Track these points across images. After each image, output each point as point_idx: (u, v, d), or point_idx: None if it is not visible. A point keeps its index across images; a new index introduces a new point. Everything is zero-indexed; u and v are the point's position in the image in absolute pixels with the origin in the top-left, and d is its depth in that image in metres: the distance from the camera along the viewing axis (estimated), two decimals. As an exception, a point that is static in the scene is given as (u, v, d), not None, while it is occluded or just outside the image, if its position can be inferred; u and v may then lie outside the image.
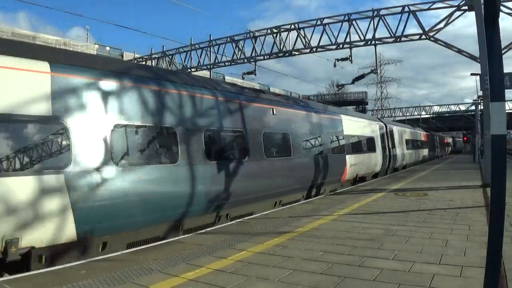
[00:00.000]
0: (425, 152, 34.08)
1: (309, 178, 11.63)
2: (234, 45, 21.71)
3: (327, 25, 18.82)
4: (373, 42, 17.90)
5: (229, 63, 22.54)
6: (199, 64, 23.53)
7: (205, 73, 24.15)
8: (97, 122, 5.75)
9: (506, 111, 3.82)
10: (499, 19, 2.99)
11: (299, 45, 19.88)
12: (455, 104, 59.39)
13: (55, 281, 4.04)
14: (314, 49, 19.68)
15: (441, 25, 16.09)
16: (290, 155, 10.63)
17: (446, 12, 15.93)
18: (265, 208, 9.14)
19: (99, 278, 4.14)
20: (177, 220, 6.94)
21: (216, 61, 22.71)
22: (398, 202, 9.52)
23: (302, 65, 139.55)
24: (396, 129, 23.02)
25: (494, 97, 2.91)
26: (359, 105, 63.47)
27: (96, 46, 35.61)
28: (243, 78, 26.34)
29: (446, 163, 29.93)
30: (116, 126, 6.00)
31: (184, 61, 24.44)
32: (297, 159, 10.92)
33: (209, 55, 22.73)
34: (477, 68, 14.15)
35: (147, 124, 6.56)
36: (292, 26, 19.79)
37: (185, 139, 7.14)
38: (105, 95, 5.99)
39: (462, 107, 57.83)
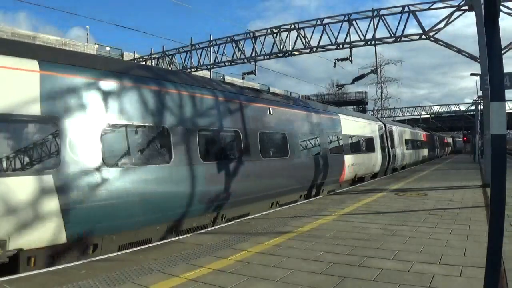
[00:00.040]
0: (425, 152, 34.05)
1: (306, 178, 11.53)
2: (234, 45, 21.71)
3: (327, 25, 18.82)
4: (373, 42, 17.90)
5: (229, 63, 22.55)
6: (199, 64, 23.54)
7: (205, 73, 24.15)
8: (88, 122, 5.65)
9: (506, 111, 3.82)
10: (499, 19, 2.99)
11: (299, 45, 19.91)
12: (455, 104, 59.44)
13: (55, 281, 4.04)
14: (314, 49, 19.69)
15: (441, 25, 16.10)
16: (287, 155, 10.49)
17: (446, 12, 15.96)
18: (261, 209, 9.02)
19: (99, 278, 4.14)
20: (171, 221, 6.83)
21: (216, 61, 22.72)
22: (398, 202, 9.52)
23: (302, 65, 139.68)
24: (395, 129, 22.97)
25: (494, 97, 2.90)
26: (359, 105, 63.50)
27: (96, 46, 35.64)
28: (243, 78, 26.34)
29: (446, 163, 29.94)
30: (107, 126, 5.92)
31: (184, 61, 24.48)
32: (294, 159, 10.80)
33: (209, 55, 22.75)
34: (477, 68, 14.17)
35: (139, 124, 6.46)
36: (292, 26, 19.79)
37: (178, 139, 7.02)
38: (97, 94, 5.90)
39: (462, 107, 57.87)
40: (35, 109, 5.07)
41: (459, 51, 15.75)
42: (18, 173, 4.85)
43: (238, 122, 8.89)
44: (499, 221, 2.79)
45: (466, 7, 14.99)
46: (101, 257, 5.17)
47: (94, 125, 5.72)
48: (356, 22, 18.08)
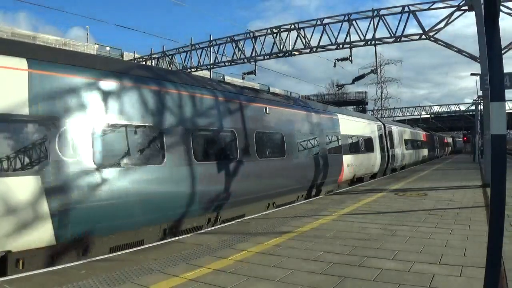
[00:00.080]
0: (424, 152, 34.02)
1: (304, 179, 11.38)
2: (234, 45, 21.73)
3: (327, 25, 18.84)
4: (373, 42, 17.92)
5: (229, 63, 22.57)
6: (199, 64, 23.56)
7: (205, 73, 24.17)
8: (78, 122, 5.53)
9: (506, 111, 3.82)
10: (499, 19, 2.99)
11: (299, 45, 19.94)
12: (455, 104, 59.47)
13: (55, 281, 4.04)
14: (314, 49, 19.71)
15: (441, 25, 16.12)
16: (284, 156, 10.34)
17: (446, 12, 15.97)
18: (258, 210, 8.89)
19: (99, 278, 4.14)
20: (165, 223, 6.72)
21: (216, 61, 22.73)
22: (398, 202, 9.52)
23: (302, 65, 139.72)
24: (395, 129, 22.92)
25: (494, 97, 2.90)
26: (359, 105, 63.54)
27: (96, 46, 35.66)
28: (243, 78, 26.36)
29: (446, 163, 29.94)
30: (98, 126, 5.80)
31: (184, 61, 24.51)
32: (292, 160, 10.64)
33: (209, 55, 22.76)
34: (477, 68, 14.17)
35: (132, 124, 6.33)
36: (292, 26, 19.81)
37: (172, 139, 6.90)
38: (88, 94, 5.77)
39: (462, 107, 57.91)
40: (23, 109, 4.95)
41: (459, 51, 15.76)
42: (4, 174, 4.72)
43: (234, 121, 8.75)
44: (499, 221, 2.79)
45: (466, 7, 15.01)
46: (101, 257, 5.16)
47: (85, 125, 5.60)
48: (356, 22, 18.11)
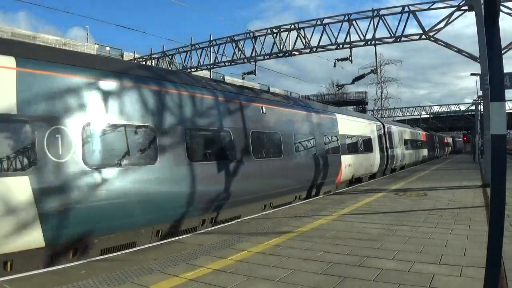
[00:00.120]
0: (424, 152, 34.03)
1: (301, 179, 11.25)
2: (234, 45, 21.72)
3: (327, 25, 18.83)
4: (373, 42, 17.91)
5: (229, 63, 22.56)
6: (199, 64, 23.55)
7: (205, 73, 24.16)
8: (68, 121, 5.42)
9: (506, 111, 3.82)
10: (499, 19, 2.99)
11: (299, 45, 19.93)
12: (455, 104, 59.52)
13: (55, 281, 4.04)
14: (314, 49, 19.70)
15: (441, 25, 16.12)
16: (281, 156, 10.21)
17: (446, 12, 15.97)
18: (254, 211, 8.74)
19: (99, 278, 4.14)
20: (157, 224, 6.59)
21: (216, 61, 22.73)
22: (398, 202, 9.52)
23: (302, 65, 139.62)
24: (394, 129, 22.88)
25: (494, 97, 2.90)
26: (359, 105, 63.55)
27: (96, 46, 35.63)
28: (243, 78, 26.36)
29: (446, 163, 29.94)
30: (88, 124, 5.69)
31: (184, 61, 24.50)
32: (289, 160, 10.51)
33: (209, 55, 22.76)
34: (477, 68, 14.17)
35: (123, 123, 6.22)
36: (292, 26, 19.80)
37: (164, 139, 6.78)
38: (78, 93, 5.65)
39: (462, 107, 57.95)
40: (11, 108, 4.86)
41: (459, 51, 15.76)
42: None
43: (229, 121, 8.62)
44: (499, 221, 2.79)
45: (466, 7, 15.01)
46: (101, 257, 5.17)
47: (75, 124, 5.50)
48: (356, 22, 18.10)
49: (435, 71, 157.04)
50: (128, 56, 35.54)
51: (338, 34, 18.64)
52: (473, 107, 40.46)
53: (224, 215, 8.14)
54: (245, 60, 21.78)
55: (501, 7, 13.46)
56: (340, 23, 18.52)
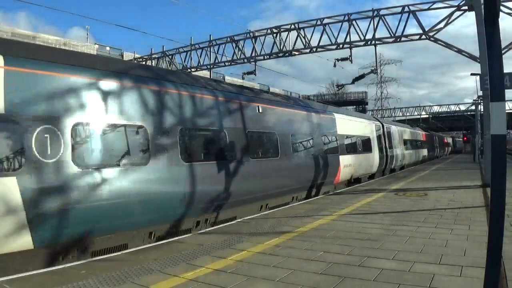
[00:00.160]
0: (424, 152, 34.02)
1: (299, 180, 11.12)
2: (234, 45, 21.72)
3: (327, 25, 18.83)
4: (373, 42, 17.91)
5: (229, 63, 22.56)
6: (199, 64, 23.55)
7: (205, 73, 24.17)
8: (57, 120, 5.29)
9: (506, 111, 3.82)
10: (499, 19, 2.99)
11: (299, 45, 19.92)
12: (455, 104, 59.51)
13: (55, 281, 4.04)
14: (314, 49, 19.70)
15: (441, 25, 16.12)
16: (278, 156, 10.07)
17: (446, 12, 15.97)
18: (250, 212, 8.59)
19: (99, 278, 4.14)
20: (150, 226, 6.48)
21: (216, 61, 22.72)
22: (398, 202, 9.52)
23: (302, 65, 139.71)
24: (393, 129, 22.82)
25: (494, 97, 2.90)
26: (359, 105, 63.54)
27: (96, 46, 35.63)
28: (243, 78, 26.37)
29: (446, 163, 29.95)
30: (78, 125, 5.58)
31: (184, 61, 24.49)
32: (286, 160, 10.37)
33: (209, 55, 22.75)
34: (477, 68, 14.17)
35: (113, 123, 6.10)
36: (292, 26, 19.80)
37: (157, 138, 6.64)
38: (68, 91, 5.52)
39: (462, 107, 57.94)
40: None
41: (459, 51, 15.76)
42: None
43: (224, 120, 8.47)
44: (499, 221, 2.79)
45: (466, 7, 15.00)
46: (101, 257, 5.17)
47: (64, 123, 5.37)
48: (356, 22, 18.10)
49: (435, 71, 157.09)
50: (128, 56, 35.55)
51: (338, 34, 18.67)
52: (473, 107, 40.47)
53: (219, 216, 8.04)
54: (245, 60, 21.78)
55: (501, 7, 13.46)
56: (340, 23, 18.52)
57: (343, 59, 19.73)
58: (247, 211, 8.64)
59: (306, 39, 19.48)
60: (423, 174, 18.88)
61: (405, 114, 59.35)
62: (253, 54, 21.15)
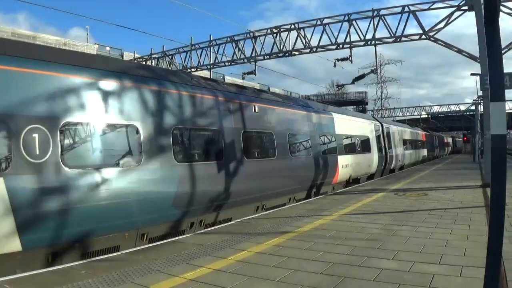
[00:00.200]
0: (424, 152, 33.98)
1: (296, 180, 11.00)
2: (234, 45, 21.73)
3: (327, 25, 18.84)
4: (373, 42, 17.92)
5: (229, 63, 22.58)
6: (199, 64, 23.56)
7: (205, 73, 24.17)
8: (45, 120, 5.17)
9: (506, 111, 3.82)
10: (499, 19, 2.99)
11: (299, 45, 19.94)
12: (455, 104, 59.65)
13: (55, 281, 4.04)
14: (314, 49, 19.71)
15: (441, 25, 16.12)
16: (274, 156, 9.93)
17: (446, 12, 15.97)
18: (246, 213, 8.47)
19: (99, 278, 4.14)
20: (142, 227, 6.36)
21: (216, 61, 22.74)
22: (398, 202, 9.52)
23: (302, 65, 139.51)
24: (393, 128, 22.75)
25: (494, 97, 2.90)
26: (359, 105, 63.54)
27: (96, 46, 35.64)
28: (243, 78, 26.38)
29: (446, 163, 29.95)
30: (67, 124, 5.44)
31: (184, 61, 24.52)
32: (283, 160, 10.23)
33: (209, 55, 22.77)
34: (477, 68, 14.16)
35: (103, 122, 5.94)
36: (292, 26, 19.81)
37: (149, 138, 6.49)
38: (55, 90, 5.38)
39: (462, 107, 58.01)
40: None
41: (459, 51, 15.77)
42: None
43: (218, 120, 8.28)
44: (499, 221, 2.79)
45: (466, 7, 15.00)
46: (101, 257, 5.17)
47: (52, 123, 5.25)
48: (356, 22, 18.11)
49: (435, 71, 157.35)
50: (128, 56, 35.56)
51: (338, 34, 18.68)
52: (473, 107, 40.50)
53: (214, 218, 7.92)
54: (245, 60, 21.79)
55: (501, 7, 13.46)
56: (340, 23, 18.53)
57: (343, 59, 19.75)
58: (243, 212, 8.50)
59: (306, 39, 19.50)
60: (423, 174, 18.88)
61: (405, 114, 59.44)
62: (253, 54, 21.16)
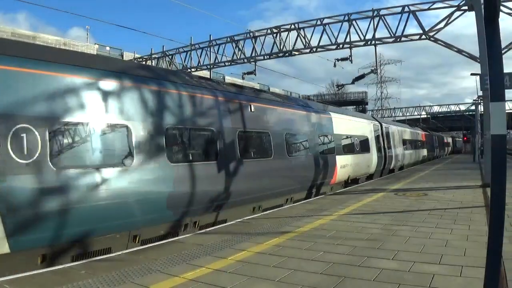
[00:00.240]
0: (424, 152, 33.95)
1: (293, 181, 10.89)
2: (234, 45, 21.73)
3: (327, 25, 18.83)
4: (373, 42, 17.91)
5: (229, 63, 22.57)
6: (199, 64, 23.56)
7: (205, 73, 24.17)
8: (35, 119, 5.06)
9: (506, 111, 3.82)
10: (499, 19, 2.99)
11: (299, 45, 19.92)
12: (455, 104, 59.67)
13: (55, 281, 4.04)
14: (314, 49, 19.70)
15: (441, 25, 16.12)
16: (271, 156, 9.80)
17: (446, 12, 15.97)
18: (242, 214, 8.34)
19: (99, 278, 4.14)
20: (134, 229, 6.26)
21: (216, 61, 22.73)
22: (398, 202, 9.52)
23: (302, 65, 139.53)
24: (392, 128, 22.68)
25: (494, 97, 2.90)
26: (359, 105, 63.54)
27: (96, 46, 35.62)
28: (243, 78, 26.37)
29: (446, 163, 29.95)
30: (58, 123, 5.36)
31: (184, 61, 24.51)
32: (279, 161, 10.09)
33: (209, 55, 22.76)
34: (477, 68, 14.17)
35: (94, 121, 5.83)
36: (292, 26, 19.80)
37: (141, 138, 6.37)
38: (45, 89, 5.29)
39: (462, 107, 58.02)
40: None
41: (459, 51, 15.76)
42: None
43: (213, 120, 8.15)
44: (499, 221, 2.79)
45: (466, 7, 14.99)
46: (101, 257, 5.17)
47: (42, 122, 5.15)
48: (356, 22, 18.09)
49: (435, 71, 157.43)
50: (128, 56, 35.54)
51: (338, 34, 18.65)
52: (473, 107, 40.50)
53: (209, 219, 7.84)
54: (245, 60, 21.77)
55: (501, 7, 13.46)
56: (340, 23, 18.52)
57: (343, 59, 19.73)
58: (239, 213, 8.39)
59: (306, 39, 19.48)
60: (423, 174, 18.88)
61: (405, 114, 59.44)
62: (253, 54, 21.14)
